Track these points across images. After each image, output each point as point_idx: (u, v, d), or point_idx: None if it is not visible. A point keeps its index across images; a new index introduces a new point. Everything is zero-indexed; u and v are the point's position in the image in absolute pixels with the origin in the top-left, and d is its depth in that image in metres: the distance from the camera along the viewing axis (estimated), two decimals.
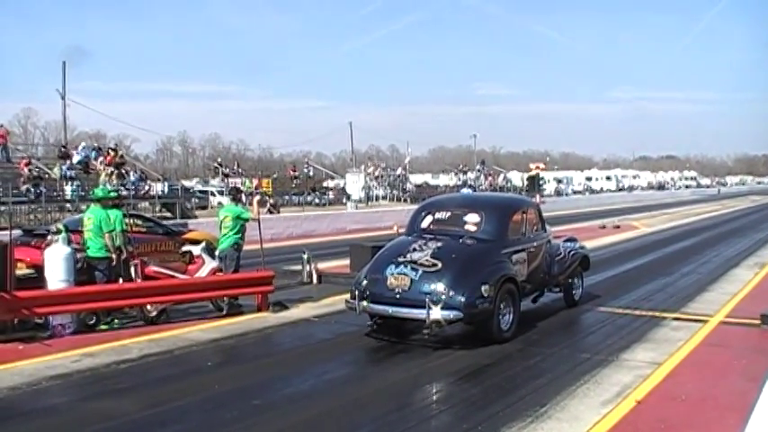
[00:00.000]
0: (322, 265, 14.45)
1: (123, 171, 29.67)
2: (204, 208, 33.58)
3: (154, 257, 11.95)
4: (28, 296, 8.89)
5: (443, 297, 8.13)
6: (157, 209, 28.04)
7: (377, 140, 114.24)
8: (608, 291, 12.42)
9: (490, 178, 56.36)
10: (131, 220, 12.11)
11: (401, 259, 8.65)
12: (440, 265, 8.40)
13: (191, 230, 16.78)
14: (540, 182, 48.72)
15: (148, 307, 9.93)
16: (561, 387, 6.65)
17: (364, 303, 8.68)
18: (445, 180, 59.12)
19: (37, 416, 6.18)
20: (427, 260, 8.49)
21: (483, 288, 8.26)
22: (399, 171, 50.28)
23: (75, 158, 29.56)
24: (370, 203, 41.50)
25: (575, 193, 67.56)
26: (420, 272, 8.39)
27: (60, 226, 10.76)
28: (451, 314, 8.11)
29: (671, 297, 11.92)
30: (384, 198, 46.17)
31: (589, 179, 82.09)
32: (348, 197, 41.20)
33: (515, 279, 8.98)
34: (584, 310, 10.78)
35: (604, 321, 10.05)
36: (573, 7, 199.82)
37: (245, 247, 11.59)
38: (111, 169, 28.41)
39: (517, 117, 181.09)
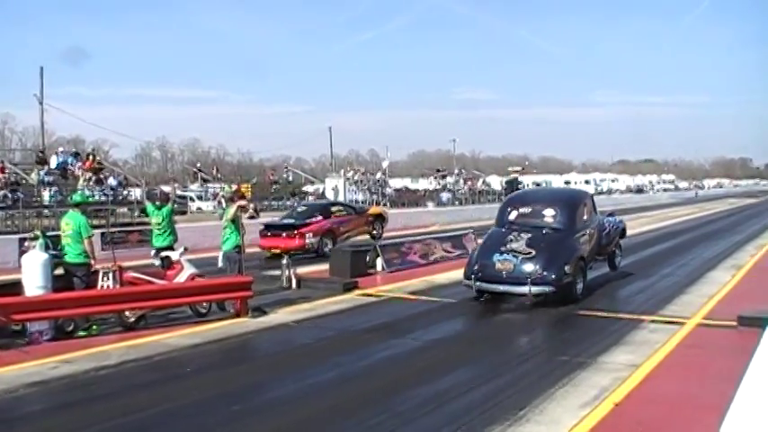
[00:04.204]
0: (301, 270, 14.41)
1: (102, 176, 29.39)
2: (183, 213, 33.33)
3: (354, 230, 21.47)
4: (4, 303, 8.77)
5: (539, 276, 10.90)
6: (136, 214, 27.77)
7: (357, 145, 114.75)
8: (586, 293, 12.49)
9: (469, 182, 56.52)
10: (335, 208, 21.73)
11: (503, 249, 11.41)
12: (533, 252, 11.19)
13: (370, 207, 25.17)
14: (519, 186, 48.91)
15: (127, 313, 9.84)
16: (540, 390, 6.65)
17: (479, 283, 11.32)
18: (425, 184, 59.22)
19: (14, 423, 6.08)
20: (524, 249, 11.27)
21: (566, 268, 11.15)
22: (379, 175, 50.22)
23: (53, 163, 29.23)
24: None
25: None
26: (520, 258, 11.15)
27: (38, 232, 10.66)
28: (547, 288, 10.99)
29: (649, 299, 12.01)
30: (364, 202, 46.15)
31: (568, 183, 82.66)
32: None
33: (584, 256, 11.95)
34: (562, 312, 10.83)
35: (583, 324, 10.12)
36: (555, 11, 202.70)
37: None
38: (89, 174, 28.13)
39: (497, 121, 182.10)
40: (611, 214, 15.30)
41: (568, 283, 11.23)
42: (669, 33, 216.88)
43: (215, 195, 39.51)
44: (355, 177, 47.45)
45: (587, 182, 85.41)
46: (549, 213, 12.32)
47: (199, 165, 53.56)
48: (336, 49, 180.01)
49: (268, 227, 20.13)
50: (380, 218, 23.30)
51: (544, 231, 11.81)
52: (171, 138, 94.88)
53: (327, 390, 7.13)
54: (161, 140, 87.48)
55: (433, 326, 10.18)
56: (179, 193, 39.99)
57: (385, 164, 53.65)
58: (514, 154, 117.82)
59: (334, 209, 21.66)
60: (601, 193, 76.60)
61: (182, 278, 10.79)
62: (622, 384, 6.84)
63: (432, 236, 19.67)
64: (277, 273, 14.10)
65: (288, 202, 41.29)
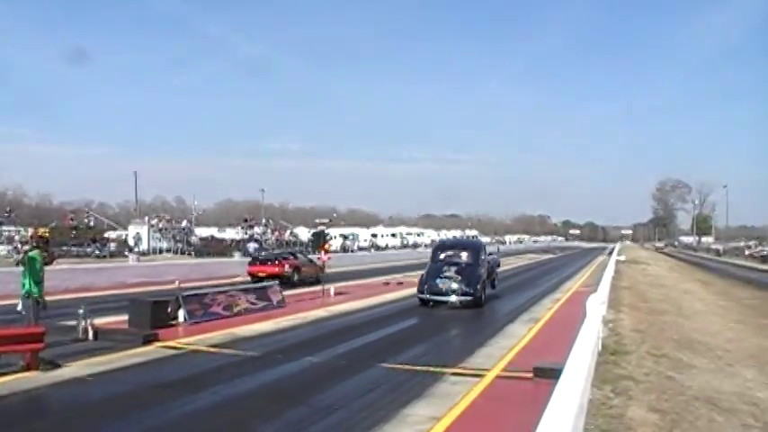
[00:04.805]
0: (99, 321, 13.86)
1: None
2: None
3: (309, 271, 28.90)
4: None
5: (463, 291, 19.25)
6: None
7: (164, 191, 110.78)
8: (391, 347, 12.93)
9: (277, 233, 56.76)
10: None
11: (441, 275, 19.80)
12: (459, 277, 19.58)
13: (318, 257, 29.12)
14: (326, 237, 49.86)
15: None
16: None
17: (428, 295, 19.62)
18: (232, 234, 58.57)
19: None
20: (453, 275, 19.65)
21: (477, 286, 19.46)
22: (184, 223, 49.07)
23: None
24: (153, 256, 40.01)
25: (360, 249, 69.13)
26: (452, 280, 19.49)
27: None
28: (468, 297, 19.24)
29: (451, 352, 12.57)
30: (168, 251, 44.74)
31: (375, 236, 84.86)
32: (130, 249, 39.47)
33: (485, 279, 20.67)
34: (363, 366, 11.01)
35: (385, 378, 10.18)
36: (368, 64, 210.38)
37: (14, 301, 11.02)
38: None
39: (307, 172, 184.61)
40: (490, 254, 24.60)
41: (479, 294, 19.78)
42: (474, 93, 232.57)
43: (10, 239, 36.61)
44: (160, 225, 46.02)
45: (393, 235, 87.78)
46: (464, 255, 21.17)
47: None
48: (146, 92, 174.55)
49: (255, 258, 30.86)
50: (322, 268, 29.64)
51: (463, 265, 20.38)
52: None
53: None
54: None
55: (234, 380, 9.91)
56: None
57: (193, 212, 52.56)
58: (323, 205, 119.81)
59: (299, 255, 31.33)
60: (406, 246, 79.36)
61: None
62: None
63: (236, 287, 19.64)
64: (73, 323, 13.46)
65: (89, 249, 39.13)
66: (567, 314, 17.84)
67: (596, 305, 9.93)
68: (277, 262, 28.49)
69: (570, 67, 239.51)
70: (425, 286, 20.00)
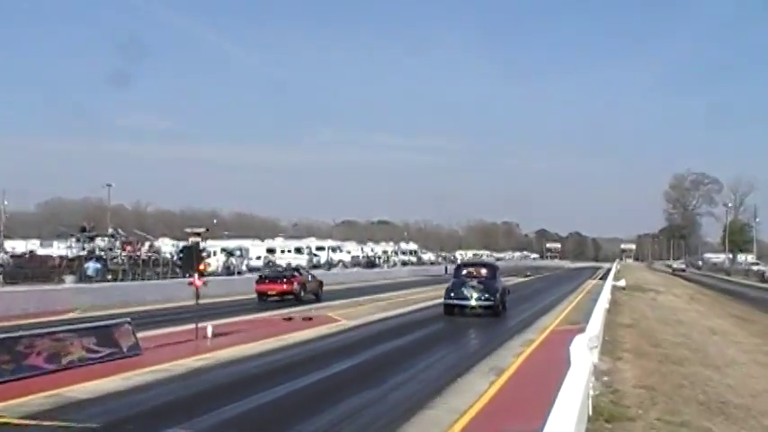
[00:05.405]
0: None
1: None
2: None
3: (314, 287, 42.38)
4: None
5: (485, 297, 31.40)
6: None
7: None
8: (299, 409, 12.99)
9: (130, 247, 55.74)
10: None
11: (467, 285, 32.02)
12: (482, 287, 31.81)
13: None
14: (202, 254, 49.13)
15: None
16: None
17: (455, 300, 31.86)
18: (62, 249, 57.26)
19: None
20: (477, 286, 31.83)
21: (497, 294, 32.04)
22: None
23: None
24: None
25: (251, 270, 68.74)
26: (475, 290, 31.61)
27: None
28: (489, 303, 31.36)
29: (380, 418, 12.60)
30: None
31: (272, 251, 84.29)
32: None
33: (503, 292, 33.76)
34: None
35: None
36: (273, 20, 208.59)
37: None
38: None
39: (175, 161, 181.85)
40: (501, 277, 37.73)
41: (499, 302, 31.74)
42: (422, 60, 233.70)
43: None
44: None
45: (299, 250, 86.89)
46: (483, 270, 34.15)
47: None
48: None
49: (263, 276, 42.78)
50: (321, 283, 43.57)
51: (483, 279, 32.42)
52: None
53: None
54: None
55: None
56: None
57: (1, 217, 51.39)
58: (198, 208, 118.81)
59: (302, 271, 44.18)
60: (316, 267, 78.03)
61: None
62: None
63: (68, 327, 19.25)
64: None
65: None
66: (543, 362, 18.19)
67: (585, 350, 10.06)
68: (285, 280, 39.72)
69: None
70: (452, 293, 32.11)
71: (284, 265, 56.87)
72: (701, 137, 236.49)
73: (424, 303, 38.91)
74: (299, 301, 37.87)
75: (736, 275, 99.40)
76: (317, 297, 40.36)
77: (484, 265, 40.06)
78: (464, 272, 34.52)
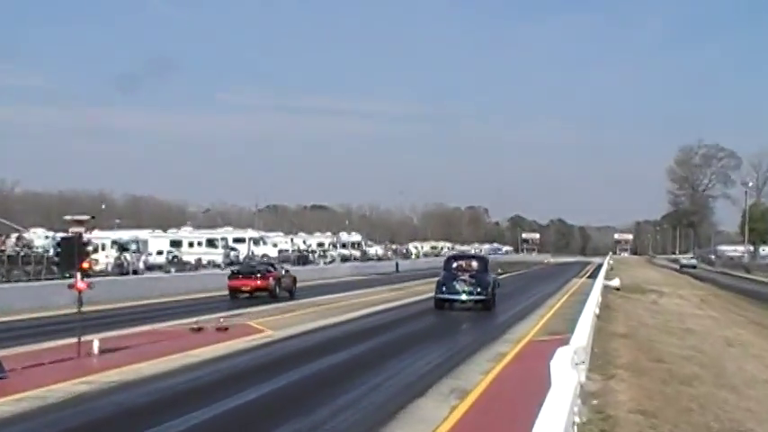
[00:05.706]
0: None
1: None
2: None
3: (288, 283, 50.31)
4: None
5: (477, 292, 39.04)
6: None
7: None
8: None
9: None
10: None
11: (458, 279, 39.45)
12: (474, 281, 39.42)
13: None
14: (87, 248, 48.56)
15: None
16: None
17: (447, 295, 39.24)
18: None
19: None
20: (468, 279, 39.27)
21: (489, 288, 39.93)
22: None
23: None
24: None
25: (150, 268, 68.94)
26: (466, 284, 39.14)
27: None
28: (481, 297, 39.06)
29: None
30: None
31: (178, 244, 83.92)
32: None
33: (493, 285, 41.87)
34: None
35: None
36: None
37: None
38: None
39: (51, 130, 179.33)
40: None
41: (490, 296, 39.05)
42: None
43: None
44: None
45: (212, 243, 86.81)
46: (474, 263, 42.05)
47: None
48: None
49: (236, 272, 48.68)
50: (295, 279, 51.02)
51: (474, 273, 39.55)
52: None
53: None
54: None
55: None
56: None
57: None
58: (81, 189, 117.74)
59: (276, 266, 52.54)
60: (234, 262, 77.38)
61: None
62: None
63: None
64: None
65: None
66: (516, 381, 18.43)
67: (569, 366, 9.95)
68: (260, 275, 46.01)
69: None
70: (443, 288, 37.96)
71: (257, 259, 67.95)
72: (713, 100, 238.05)
73: (367, 309, 39.32)
74: (273, 297, 44.20)
75: (758, 272, 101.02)
76: (291, 294, 47.14)
77: (474, 257, 50.91)
78: (454, 265, 40.74)
